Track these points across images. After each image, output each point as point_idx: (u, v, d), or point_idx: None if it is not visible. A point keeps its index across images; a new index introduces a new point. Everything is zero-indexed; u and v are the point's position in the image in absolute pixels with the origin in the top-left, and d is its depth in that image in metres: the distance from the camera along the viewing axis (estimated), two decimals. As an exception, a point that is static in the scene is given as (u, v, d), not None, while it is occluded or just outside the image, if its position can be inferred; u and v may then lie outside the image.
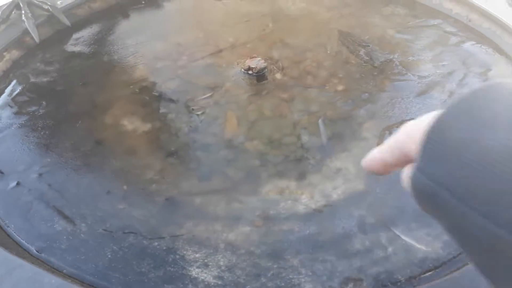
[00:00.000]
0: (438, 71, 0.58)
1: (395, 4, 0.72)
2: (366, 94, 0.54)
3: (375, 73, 0.58)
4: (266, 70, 0.55)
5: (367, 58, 0.60)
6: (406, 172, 0.21)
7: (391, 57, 0.61)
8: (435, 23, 0.68)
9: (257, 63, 0.55)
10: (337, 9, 0.72)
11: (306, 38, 0.65)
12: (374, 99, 0.53)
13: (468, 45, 0.62)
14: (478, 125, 0.18)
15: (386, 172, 0.24)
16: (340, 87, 0.55)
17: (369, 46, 0.63)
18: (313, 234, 0.37)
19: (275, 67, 0.58)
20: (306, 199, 0.41)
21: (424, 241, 0.36)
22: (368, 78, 0.57)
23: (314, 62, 0.60)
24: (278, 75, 0.57)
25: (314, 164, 0.45)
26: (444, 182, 0.18)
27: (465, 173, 0.17)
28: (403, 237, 0.36)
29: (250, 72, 0.55)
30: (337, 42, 0.64)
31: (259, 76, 0.55)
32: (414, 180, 0.19)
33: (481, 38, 0.63)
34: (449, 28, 0.66)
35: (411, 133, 0.21)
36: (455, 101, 0.18)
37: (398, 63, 0.60)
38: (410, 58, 0.60)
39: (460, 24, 0.66)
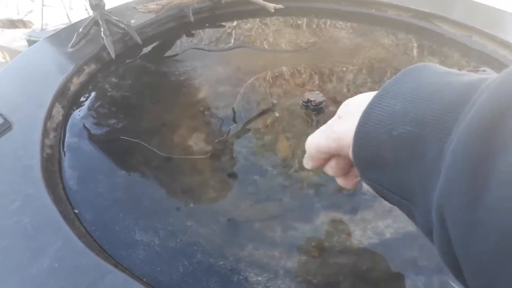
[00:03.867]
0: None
1: (449, 48, 0.74)
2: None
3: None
4: (324, 103, 0.58)
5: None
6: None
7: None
8: (488, 69, 0.69)
9: (316, 96, 0.58)
10: (392, 48, 0.75)
11: (361, 73, 0.68)
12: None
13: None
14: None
15: (319, 161, 0.37)
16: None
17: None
18: (367, 270, 0.40)
19: (330, 101, 0.61)
20: (359, 234, 0.44)
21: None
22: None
23: (368, 99, 0.63)
24: (333, 109, 0.60)
25: (367, 199, 0.48)
26: (374, 180, 0.29)
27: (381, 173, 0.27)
28: (453, 284, 0.38)
29: (309, 104, 0.58)
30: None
31: (317, 109, 0.59)
32: (363, 181, 0.31)
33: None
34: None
35: (344, 135, 0.32)
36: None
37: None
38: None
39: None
